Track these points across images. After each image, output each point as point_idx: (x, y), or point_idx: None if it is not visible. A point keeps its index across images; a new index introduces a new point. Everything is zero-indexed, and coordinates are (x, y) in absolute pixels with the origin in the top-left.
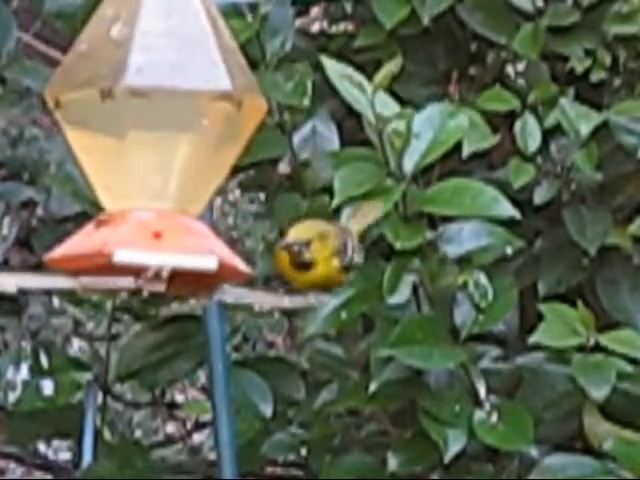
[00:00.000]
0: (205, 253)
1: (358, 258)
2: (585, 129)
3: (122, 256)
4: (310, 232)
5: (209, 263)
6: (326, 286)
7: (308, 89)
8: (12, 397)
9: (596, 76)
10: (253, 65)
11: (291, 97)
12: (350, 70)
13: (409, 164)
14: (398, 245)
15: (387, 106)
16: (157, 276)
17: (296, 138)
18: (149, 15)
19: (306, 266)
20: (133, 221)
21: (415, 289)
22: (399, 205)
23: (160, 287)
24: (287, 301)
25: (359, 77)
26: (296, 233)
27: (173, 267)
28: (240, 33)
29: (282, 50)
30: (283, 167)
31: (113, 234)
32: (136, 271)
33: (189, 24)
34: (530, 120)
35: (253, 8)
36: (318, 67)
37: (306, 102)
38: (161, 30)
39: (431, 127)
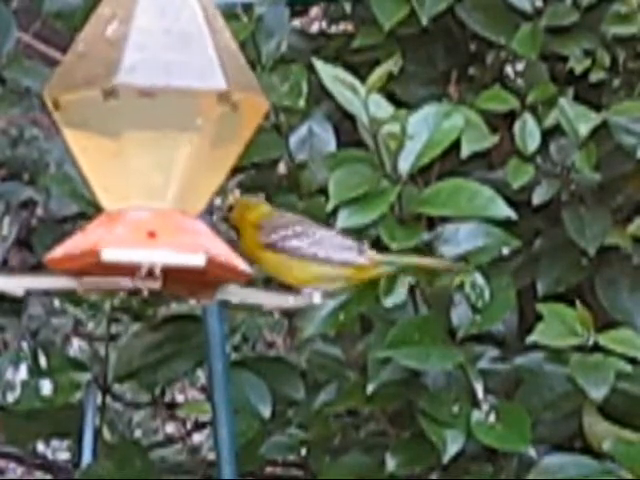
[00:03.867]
0: (197, 251)
1: (317, 249)
2: (584, 129)
3: (110, 255)
4: (236, 199)
5: (197, 260)
6: (250, 258)
7: (303, 90)
8: (11, 397)
9: (595, 76)
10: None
11: (286, 98)
12: (343, 72)
13: (404, 165)
14: (394, 246)
15: (381, 108)
16: (151, 274)
17: (293, 140)
18: (144, 14)
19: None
20: (129, 221)
21: (412, 290)
22: (395, 206)
23: (155, 285)
24: (291, 300)
25: (352, 79)
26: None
27: (163, 264)
28: (235, 34)
29: (278, 51)
30: (282, 167)
31: (109, 234)
32: (132, 270)
33: (184, 23)
34: (529, 120)
35: (248, 9)
36: (315, 68)
37: (301, 103)
38: (156, 29)
39: (426, 128)
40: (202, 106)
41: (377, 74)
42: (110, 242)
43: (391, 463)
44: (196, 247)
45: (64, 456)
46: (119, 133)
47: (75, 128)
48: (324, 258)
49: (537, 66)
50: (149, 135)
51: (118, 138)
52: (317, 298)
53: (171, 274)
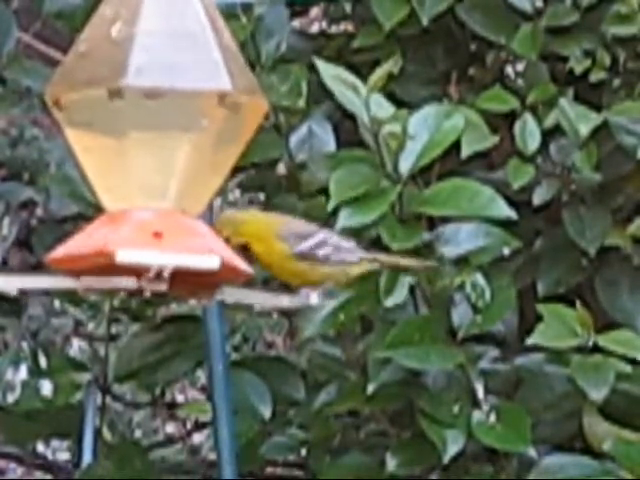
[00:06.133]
0: (206, 253)
1: (336, 255)
2: (584, 129)
3: (124, 256)
4: (227, 221)
5: (212, 262)
6: (278, 271)
7: (303, 90)
8: (11, 397)
9: (595, 76)
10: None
11: (286, 99)
12: (344, 72)
13: (405, 165)
14: (395, 246)
15: (382, 108)
16: (159, 276)
17: (292, 140)
18: (149, 15)
19: (245, 249)
20: (133, 221)
21: (412, 290)
22: (395, 206)
23: (162, 287)
24: (286, 301)
25: (353, 79)
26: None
27: (175, 267)
28: (234, 35)
29: (277, 51)
30: (282, 168)
31: (113, 234)
32: (136, 271)
33: (189, 24)
34: (530, 120)
35: (247, 9)
36: (315, 68)
37: (301, 103)
38: (161, 30)
39: (426, 128)
40: (206, 107)
41: (378, 74)
42: (117, 243)
43: (391, 463)
44: (206, 249)
45: (64, 456)
46: (122, 133)
47: (78, 128)
48: (347, 262)
49: (537, 66)
50: (152, 135)
51: (121, 138)
52: (314, 299)
53: (174, 275)
